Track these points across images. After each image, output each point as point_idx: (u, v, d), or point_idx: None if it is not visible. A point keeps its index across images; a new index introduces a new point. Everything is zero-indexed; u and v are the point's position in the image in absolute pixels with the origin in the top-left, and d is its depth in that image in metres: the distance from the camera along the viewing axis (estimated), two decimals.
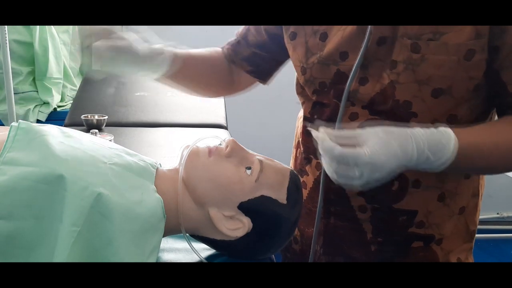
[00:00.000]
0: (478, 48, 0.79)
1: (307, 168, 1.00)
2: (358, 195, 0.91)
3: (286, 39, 0.98)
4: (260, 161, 0.85)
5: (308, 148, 0.99)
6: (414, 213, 0.90)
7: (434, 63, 0.80)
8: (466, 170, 0.87)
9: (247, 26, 1.08)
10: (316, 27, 0.90)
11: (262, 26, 1.04)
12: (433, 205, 0.90)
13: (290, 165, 1.07)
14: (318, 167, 0.95)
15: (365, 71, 0.85)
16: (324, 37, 0.90)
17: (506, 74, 0.81)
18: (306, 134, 0.98)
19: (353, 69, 0.84)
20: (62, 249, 0.67)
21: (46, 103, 2.44)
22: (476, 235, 0.99)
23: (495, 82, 0.82)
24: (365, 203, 0.91)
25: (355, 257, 0.95)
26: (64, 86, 2.58)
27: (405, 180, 0.88)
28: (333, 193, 0.92)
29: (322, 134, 0.74)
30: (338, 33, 0.87)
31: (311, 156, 0.98)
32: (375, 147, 0.71)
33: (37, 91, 2.44)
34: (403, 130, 0.74)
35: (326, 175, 0.89)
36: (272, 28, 1.02)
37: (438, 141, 0.74)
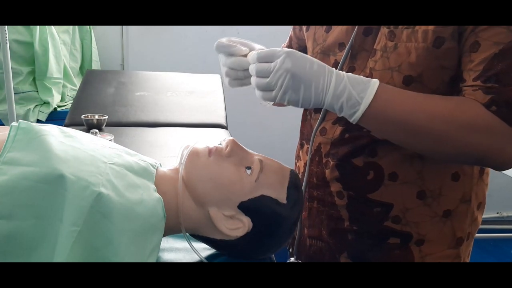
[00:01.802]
0: (447, 36, 0.79)
1: (300, 153, 1.06)
2: (336, 180, 0.94)
3: (303, 32, 1.04)
4: (260, 161, 0.85)
5: (302, 134, 1.05)
6: (389, 206, 0.91)
7: (404, 50, 0.83)
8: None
9: (290, 35, 1.15)
10: None
11: (301, 32, 1.08)
12: (411, 201, 0.90)
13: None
14: (308, 152, 0.99)
15: (354, 60, 0.90)
16: (328, 29, 0.95)
17: (463, 60, 0.80)
18: (303, 120, 1.05)
19: (342, 58, 0.90)
20: (62, 249, 0.67)
21: (46, 103, 2.44)
22: (477, 235, 0.98)
23: (460, 71, 0.82)
24: (342, 189, 0.94)
25: (332, 244, 0.98)
26: (64, 86, 2.58)
27: (380, 171, 0.90)
28: (316, 177, 0.98)
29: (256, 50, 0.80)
30: (339, 26, 0.93)
31: (304, 141, 1.04)
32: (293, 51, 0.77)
33: (37, 91, 2.44)
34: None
35: (311, 158, 0.98)
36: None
37: (359, 78, 0.78)
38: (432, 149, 0.81)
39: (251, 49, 0.86)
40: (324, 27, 0.96)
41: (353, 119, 0.78)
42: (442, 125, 0.77)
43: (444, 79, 0.83)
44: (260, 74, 0.78)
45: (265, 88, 0.78)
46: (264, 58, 0.77)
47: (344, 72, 0.78)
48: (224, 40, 0.87)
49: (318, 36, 0.97)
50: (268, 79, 0.77)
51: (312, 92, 0.76)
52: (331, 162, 0.94)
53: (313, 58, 0.78)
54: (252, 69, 0.79)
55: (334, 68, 0.78)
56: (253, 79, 0.80)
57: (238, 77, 0.87)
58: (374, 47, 0.87)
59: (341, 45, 0.92)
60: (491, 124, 0.76)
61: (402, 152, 0.88)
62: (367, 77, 0.87)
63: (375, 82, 0.77)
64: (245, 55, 0.85)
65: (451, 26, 0.79)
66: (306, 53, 1.03)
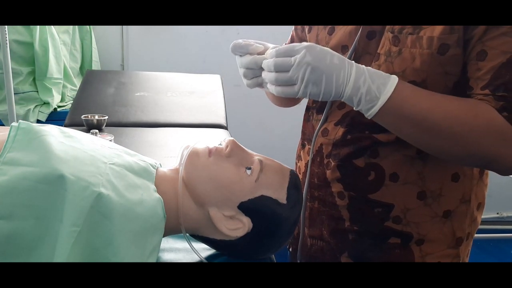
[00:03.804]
0: (452, 43, 0.80)
1: (301, 153, 1.06)
2: (337, 181, 0.94)
3: (305, 33, 1.04)
4: (260, 161, 0.85)
5: (304, 134, 1.05)
6: (390, 207, 0.91)
7: (408, 56, 0.83)
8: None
9: (292, 35, 1.14)
10: None
11: (303, 33, 1.08)
12: (412, 202, 0.90)
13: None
14: (309, 152, 1.00)
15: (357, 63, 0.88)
16: (331, 31, 0.95)
17: (470, 68, 0.81)
18: (305, 121, 1.05)
19: None
20: (62, 249, 0.67)
21: (46, 103, 2.44)
22: (476, 235, 0.99)
23: (464, 77, 0.82)
24: (343, 189, 0.94)
25: (332, 244, 0.98)
26: (64, 86, 2.58)
27: (381, 172, 0.90)
28: (317, 177, 0.98)
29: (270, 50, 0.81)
30: (343, 28, 0.92)
31: (305, 142, 1.04)
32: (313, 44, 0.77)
33: (37, 91, 2.44)
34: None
35: (312, 159, 0.98)
36: None
37: (379, 73, 0.78)
38: (443, 149, 0.81)
39: (266, 48, 0.86)
40: (327, 29, 0.96)
41: (370, 114, 0.78)
42: (456, 126, 0.77)
43: (448, 84, 0.83)
44: (280, 69, 0.77)
45: (286, 83, 0.78)
46: (284, 53, 0.77)
47: (363, 65, 0.78)
48: (240, 40, 0.88)
49: (320, 38, 0.97)
50: (289, 73, 0.76)
51: (333, 84, 0.76)
52: (332, 163, 0.94)
53: (333, 51, 0.78)
54: (269, 64, 0.79)
55: (353, 61, 0.78)
56: (271, 75, 0.79)
57: (255, 75, 0.87)
58: (378, 51, 0.87)
59: (344, 48, 0.92)
60: (503, 130, 0.77)
61: (403, 153, 0.88)
62: None
63: (394, 78, 0.78)
64: (261, 53, 0.86)
65: (456, 33, 0.79)
66: None
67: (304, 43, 0.77)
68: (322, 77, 0.76)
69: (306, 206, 1.01)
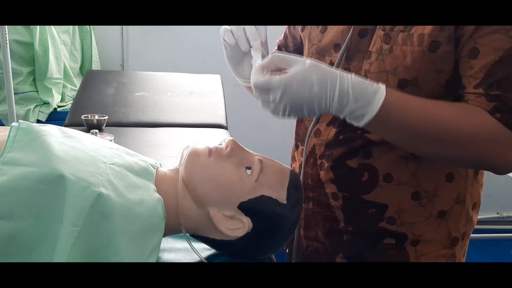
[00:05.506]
0: (443, 40, 0.79)
1: (295, 154, 1.05)
2: (331, 182, 0.94)
3: (297, 31, 1.04)
4: (260, 161, 0.85)
5: (297, 135, 1.05)
6: (384, 207, 0.91)
7: (399, 54, 0.83)
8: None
9: (285, 33, 1.14)
10: None
11: (295, 30, 1.08)
12: (406, 202, 0.90)
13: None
14: (302, 154, 0.99)
15: (349, 62, 0.90)
16: (323, 30, 0.95)
17: (461, 66, 0.80)
18: (298, 122, 1.04)
19: (337, 60, 0.90)
20: (63, 249, 0.67)
21: (46, 103, 2.44)
22: (476, 235, 0.99)
23: (456, 75, 0.82)
24: (337, 190, 0.94)
25: (328, 245, 0.98)
26: (64, 86, 2.58)
27: (375, 172, 0.90)
28: (311, 178, 0.98)
29: (255, 67, 0.78)
30: (335, 26, 0.92)
31: (299, 143, 1.03)
32: (290, 74, 0.73)
33: (37, 91, 2.44)
34: (332, 69, 0.75)
35: (305, 160, 0.98)
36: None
37: (365, 89, 0.74)
38: (434, 154, 0.82)
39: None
40: (320, 28, 0.95)
41: (357, 125, 0.77)
42: (446, 135, 0.77)
43: (440, 82, 0.83)
44: (263, 102, 0.77)
45: (271, 111, 0.77)
46: (262, 89, 0.76)
47: (348, 76, 0.74)
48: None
49: (313, 36, 0.97)
50: (271, 108, 0.76)
51: (315, 111, 0.75)
52: (326, 164, 0.94)
53: (313, 75, 0.73)
54: (255, 93, 0.78)
55: (338, 74, 0.74)
56: (259, 100, 0.79)
57: None
58: (369, 49, 0.87)
59: (337, 46, 0.92)
60: (495, 132, 0.76)
61: (397, 153, 0.88)
62: None
63: (381, 94, 0.74)
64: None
65: (447, 30, 0.79)
66: (302, 52, 1.03)
67: (281, 79, 0.73)
68: (303, 109, 0.74)
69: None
